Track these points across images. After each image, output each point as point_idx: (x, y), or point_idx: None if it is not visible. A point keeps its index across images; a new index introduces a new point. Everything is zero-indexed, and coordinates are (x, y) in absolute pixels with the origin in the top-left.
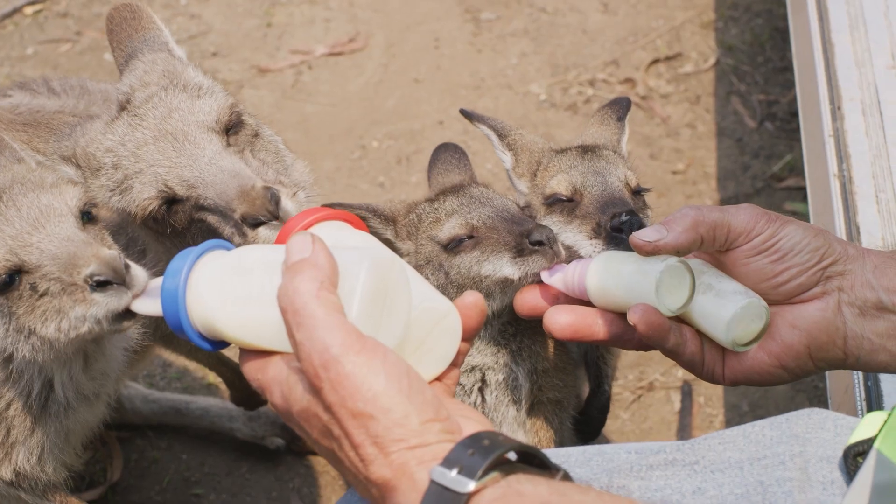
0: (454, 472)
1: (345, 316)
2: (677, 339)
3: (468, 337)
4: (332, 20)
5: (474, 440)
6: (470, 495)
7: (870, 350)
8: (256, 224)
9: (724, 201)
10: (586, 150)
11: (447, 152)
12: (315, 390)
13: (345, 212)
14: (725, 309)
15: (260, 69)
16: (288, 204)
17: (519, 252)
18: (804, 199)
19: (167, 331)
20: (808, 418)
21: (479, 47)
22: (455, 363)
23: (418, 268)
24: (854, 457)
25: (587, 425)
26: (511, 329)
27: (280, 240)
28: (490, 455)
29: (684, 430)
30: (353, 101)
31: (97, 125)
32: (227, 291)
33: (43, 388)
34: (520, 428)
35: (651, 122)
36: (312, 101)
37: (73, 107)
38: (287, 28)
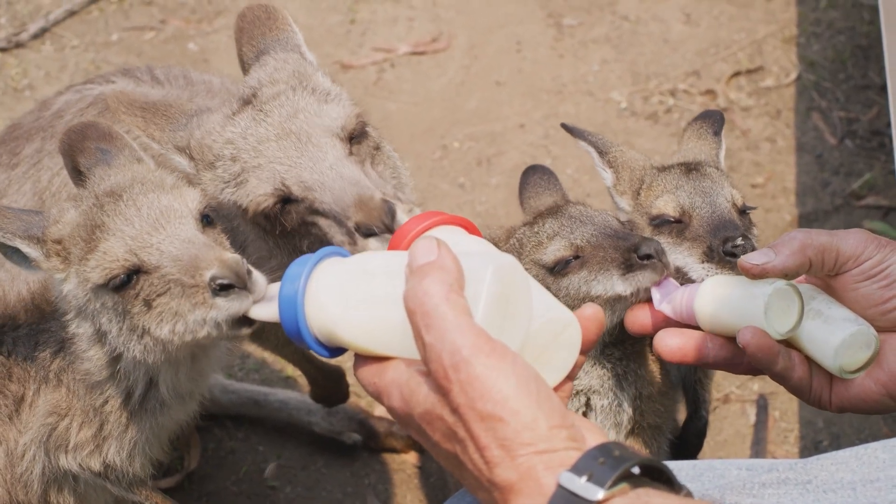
0: (583, 479)
1: (473, 319)
2: (786, 363)
3: (585, 350)
4: (415, 19)
5: (604, 449)
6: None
7: None
8: (369, 234)
9: (803, 217)
10: (690, 169)
11: (536, 175)
12: (443, 392)
13: (460, 217)
14: (834, 335)
15: (342, 65)
16: (403, 218)
17: (628, 267)
18: (883, 217)
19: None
20: None
21: (561, 52)
22: (570, 376)
23: None
24: None
25: (684, 450)
26: (617, 353)
27: (392, 247)
28: (621, 465)
29: (759, 444)
30: (434, 101)
31: (215, 118)
32: (349, 296)
33: (146, 387)
34: None
35: (731, 134)
36: (394, 100)
37: (176, 97)
38: (370, 25)
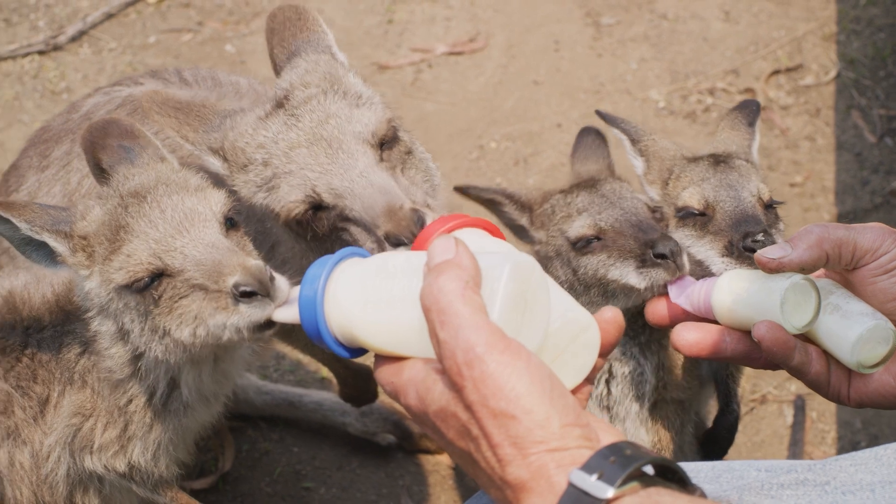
0: (594, 478)
1: (488, 317)
2: (802, 358)
3: (605, 352)
4: (453, 19)
5: (615, 448)
6: (608, 502)
7: None
8: (398, 244)
9: (842, 216)
10: (718, 161)
11: (589, 136)
12: (456, 388)
13: (483, 220)
14: (851, 330)
15: (380, 66)
16: None
17: (643, 262)
18: None
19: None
20: None
21: (599, 51)
22: (588, 378)
23: (548, 258)
24: None
25: (714, 444)
26: (641, 321)
27: (417, 247)
28: (632, 464)
29: (796, 445)
30: (472, 101)
31: (248, 119)
32: (368, 295)
33: (168, 387)
34: (642, 425)
35: (770, 132)
36: (432, 100)
37: (204, 98)
38: (408, 26)
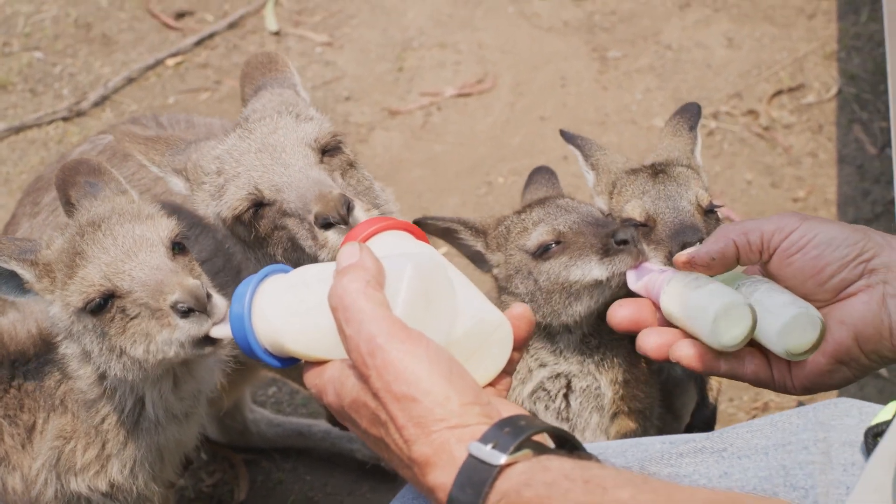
0: (489, 447)
1: (390, 311)
2: (730, 365)
3: (518, 347)
4: (462, 63)
5: (510, 421)
6: (502, 467)
7: None
8: (326, 224)
9: None
10: (658, 171)
11: (539, 174)
12: (364, 378)
13: (406, 222)
14: (776, 321)
15: (391, 111)
16: (361, 214)
17: (605, 252)
18: None
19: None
20: (834, 407)
21: (605, 84)
22: (507, 371)
23: (508, 278)
24: (874, 437)
25: None
26: (594, 341)
27: None
28: (523, 433)
29: None
30: (480, 140)
31: (210, 142)
32: (289, 306)
33: (135, 405)
34: (603, 434)
35: (773, 151)
36: (441, 141)
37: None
38: (418, 71)
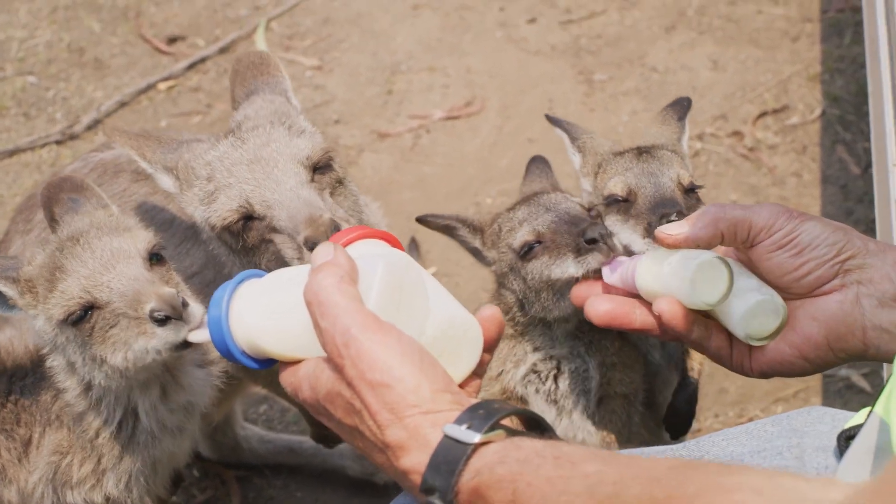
0: (464, 427)
1: (364, 305)
2: (701, 333)
3: (488, 348)
4: (450, 86)
5: (483, 404)
6: (476, 446)
7: (888, 340)
8: (315, 248)
9: None
10: (642, 152)
11: (534, 164)
12: (338, 369)
13: (383, 231)
14: (741, 305)
15: (380, 134)
16: None
17: (578, 251)
18: None
19: (260, 372)
20: (807, 414)
21: (592, 107)
22: (477, 373)
23: (503, 276)
24: (846, 439)
25: (676, 417)
26: (585, 326)
27: None
28: (497, 414)
29: None
30: (468, 162)
31: (203, 144)
32: (265, 307)
33: (127, 416)
34: (589, 419)
35: (758, 172)
36: (430, 163)
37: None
38: (406, 95)
